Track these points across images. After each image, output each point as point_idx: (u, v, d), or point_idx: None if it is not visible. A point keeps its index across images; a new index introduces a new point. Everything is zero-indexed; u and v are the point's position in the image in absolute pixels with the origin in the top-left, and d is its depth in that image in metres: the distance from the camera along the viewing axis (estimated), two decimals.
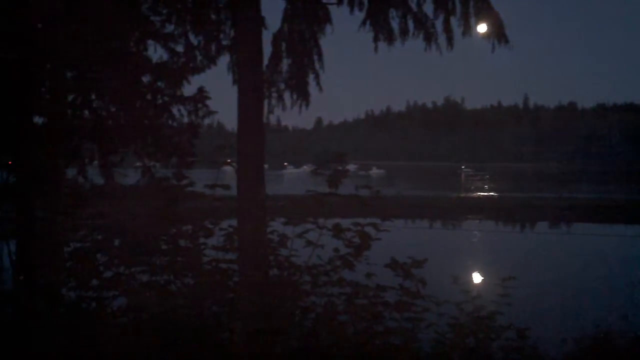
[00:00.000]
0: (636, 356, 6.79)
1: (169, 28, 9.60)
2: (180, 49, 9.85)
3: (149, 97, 9.86)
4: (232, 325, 5.39)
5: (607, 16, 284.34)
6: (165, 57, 9.86)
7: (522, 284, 6.44)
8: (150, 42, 9.67)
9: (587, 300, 13.78)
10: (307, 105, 9.83)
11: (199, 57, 9.98)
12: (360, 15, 9.01)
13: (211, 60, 10.01)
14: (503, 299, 5.92)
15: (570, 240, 26.50)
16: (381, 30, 9.05)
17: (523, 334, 5.75)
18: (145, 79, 9.80)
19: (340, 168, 6.02)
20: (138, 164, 9.94)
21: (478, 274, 16.51)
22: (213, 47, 9.88)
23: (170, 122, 10.08)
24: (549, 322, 10.58)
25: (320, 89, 9.70)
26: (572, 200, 36.98)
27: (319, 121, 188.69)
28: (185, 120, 10.17)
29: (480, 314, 5.79)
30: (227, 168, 7.27)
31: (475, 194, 48.42)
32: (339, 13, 9.19)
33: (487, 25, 8.73)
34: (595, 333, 7.39)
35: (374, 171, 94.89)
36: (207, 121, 10.53)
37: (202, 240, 6.05)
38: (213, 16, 9.65)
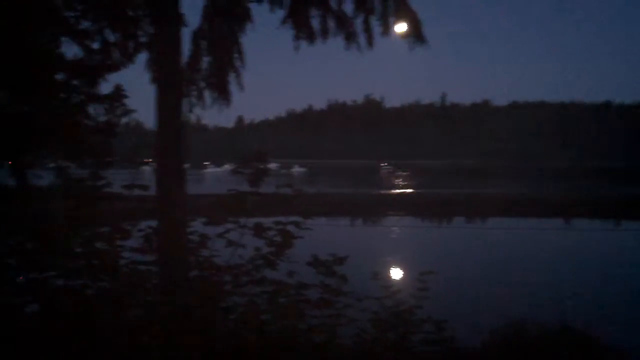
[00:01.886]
0: (546, 344, 7.11)
1: (85, 24, 9.33)
2: (96, 46, 9.59)
3: (63, 95, 9.57)
4: (152, 327, 5.30)
5: (519, 15, 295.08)
6: (80, 54, 9.59)
7: (441, 278, 6.63)
8: (64, 38, 9.38)
9: (502, 292, 14.24)
10: (227, 103, 9.73)
11: (116, 55, 9.75)
12: (281, 13, 9.03)
13: (129, 58, 9.78)
14: (422, 292, 6.10)
15: (486, 233, 27.34)
16: (302, 29, 9.07)
17: (441, 326, 5.93)
18: (60, 77, 9.50)
19: (261, 167, 6.03)
20: (52, 164, 9.62)
21: (398, 269, 16.83)
22: (131, 45, 9.65)
23: (86, 121, 9.81)
24: (467, 314, 10.92)
25: (241, 88, 9.62)
26: (487, 196, 38.30)
27: (240, 120, 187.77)
28: (102, 119, 9.92)
29: (400, 308, 5.95)
30: (146, 167, 7.15)
31: (394, 191, 49.23)
32: (260, 11, 9.17)
33: (405, 25, 8.91)
34: (508, 323, 7.69)
35: (296, 169, 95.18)
36: (124, 120, 10.31)
37: (119, 242, 5.92)
38: (130, 13, 9.44)
